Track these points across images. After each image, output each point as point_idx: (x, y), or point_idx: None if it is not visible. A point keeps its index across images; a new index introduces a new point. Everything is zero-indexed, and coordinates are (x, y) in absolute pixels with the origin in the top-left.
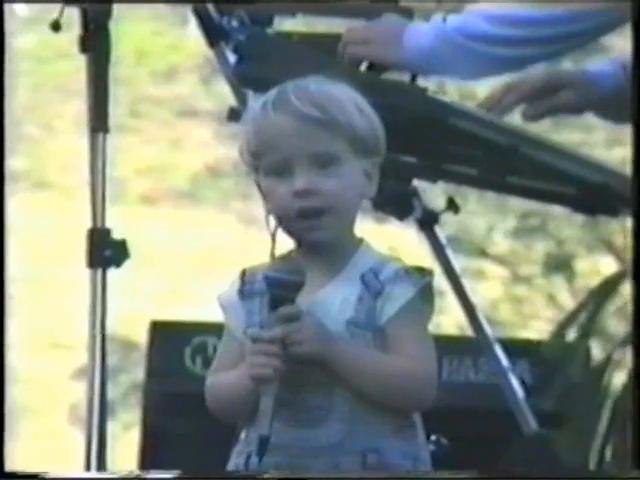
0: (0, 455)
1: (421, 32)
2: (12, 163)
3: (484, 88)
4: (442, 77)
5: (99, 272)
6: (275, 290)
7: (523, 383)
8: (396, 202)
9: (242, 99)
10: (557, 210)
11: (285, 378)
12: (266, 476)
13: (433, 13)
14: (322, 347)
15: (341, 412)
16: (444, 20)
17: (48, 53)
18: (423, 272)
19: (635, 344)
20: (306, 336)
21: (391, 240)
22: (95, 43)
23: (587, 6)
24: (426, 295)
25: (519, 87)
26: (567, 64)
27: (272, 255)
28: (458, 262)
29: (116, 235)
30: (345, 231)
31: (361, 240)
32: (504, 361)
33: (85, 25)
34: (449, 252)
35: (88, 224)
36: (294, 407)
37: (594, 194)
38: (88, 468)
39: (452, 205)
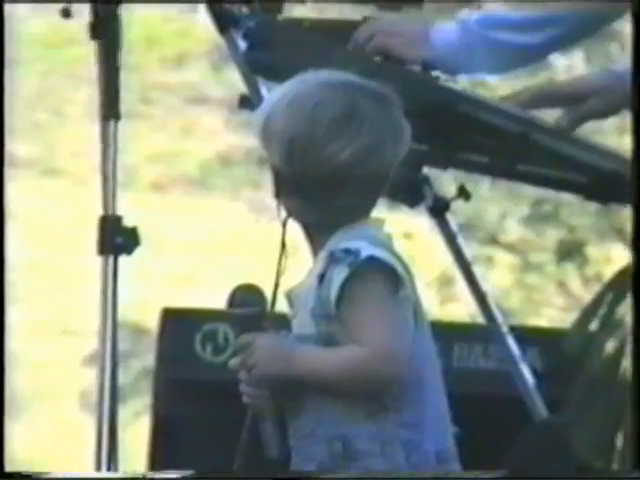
0: (0, 455)
1: (447, 30)
2: (23, 150)
3: (498, 78)
4: (470, 75)
5: (110, 259)
6: (237, 325)
7: (534, 370)
8: (407, 190)
9: (252, 86)
10: (569, 198)
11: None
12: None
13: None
14: (276, 365)
15: (312, 403)
16: (468, 16)
17: (58, 39)
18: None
19: (635, 343)
20: (258, 360)
21: (404, 228)
22: (105, 30)
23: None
24: (365, 274)
25: (546, 91)
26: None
27: (283, 243)
28: (469, 249)
29: (127, 222)
30: (325, 213)
31: (349, 222)
32: (514, 348)
33: (95, 12)
34: (460, 240)
35: (99, 211)
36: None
37: (606, 182)
38: (99, 454)
39: (463, 193)
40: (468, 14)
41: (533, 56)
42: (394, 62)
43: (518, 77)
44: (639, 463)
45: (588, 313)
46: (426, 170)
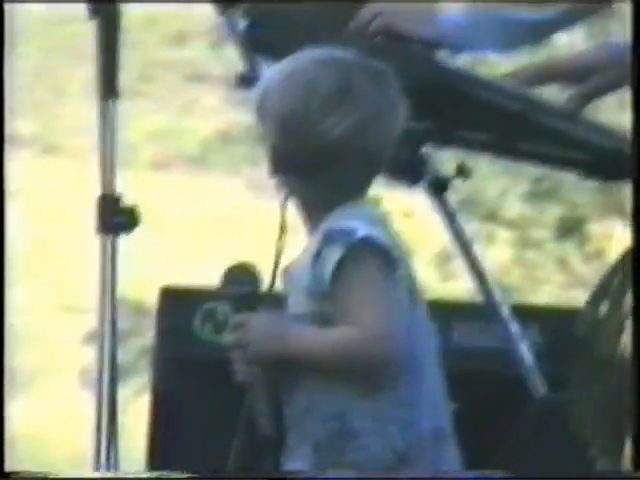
0: (0, 455)
1: (454, 9)
2: (22, 127)
3: (500, 56)
4: (477, 51)
5: (109, 238)
6: (231, 304)
7: (533, 347)
8: (406, 168)
9: (251, 64)
10: (570, 175)
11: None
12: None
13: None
14: (271, 344)
15: (307, 381)
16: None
17: (58, 16)
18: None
19: (635, 342)
20: (252, 338)
21: (404, 205)
22: (104, 8)
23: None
24: (360, 254)
25: (548, 68)
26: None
27: (282, 222)
28: (469, 227)
29: (126, 201)
30: (321, 190)
31: (345, 200)
32: (513, 326)
33: None
34: (460, 218)
35: (98, 190)
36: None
37: (606, 159)
38: (99, 432)
39: (462, 171)
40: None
41: (541, 33)
42: (396, 40)
43: (519, 55)
44: (639, 463)
45: (598, 293)
46: (425, 148)
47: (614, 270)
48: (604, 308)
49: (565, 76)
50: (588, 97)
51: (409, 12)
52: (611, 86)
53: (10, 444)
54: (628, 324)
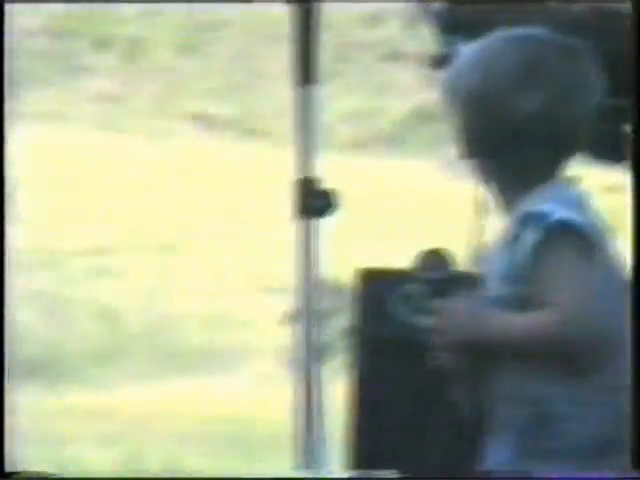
0: (0, 455)
1: None
2: (223, 110)
3: None
4: None
5: (309, 222)
6: (427, 288)
7: None
8: (609, 145)
9: (447, 45)
10: None
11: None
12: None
13: None
14: (467, 330)
15: (507, 366)
16: None
17: (256, 4)
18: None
19: (635, 343)
20: (448, 325)
21: (608, 182)
22: None
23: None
24: (557, 237)
25: None
26: None
27: (477, 207)
28: None
29: (325, 184)
30: (514, 171)
31: (540, 181)
32: None
33: None
34: None
35: (297, 173)
36: None
37: None
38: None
39: None
40: None
41: None
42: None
43: None
44: (639, 463)
45: None
46: (627, 126)
47: None
48: None
49: None
50: None
51: None
52: None
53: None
54: None
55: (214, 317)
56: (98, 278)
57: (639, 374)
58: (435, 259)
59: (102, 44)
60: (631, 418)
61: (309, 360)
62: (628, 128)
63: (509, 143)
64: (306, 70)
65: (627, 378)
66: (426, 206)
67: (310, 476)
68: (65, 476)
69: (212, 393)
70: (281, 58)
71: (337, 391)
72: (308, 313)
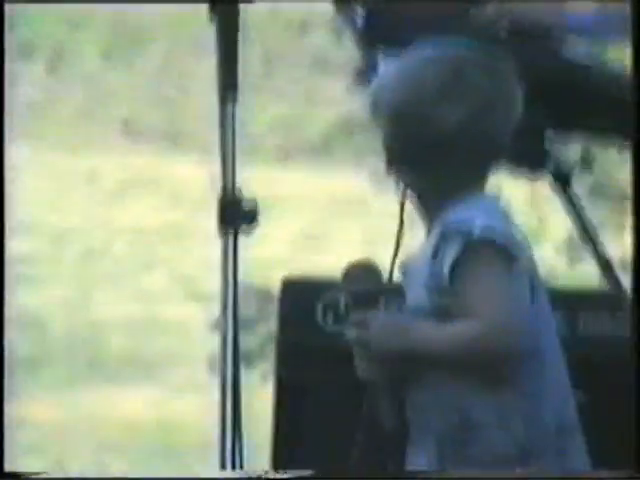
0: (0, 455)
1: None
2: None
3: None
4: (599, 40)
5: (231, 231)
6: (353, 300)
7: None
8: (530, 157)
9: (370, 58)
10: None
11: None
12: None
13: None
14: (391, 342)
15: (429, 375)
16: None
17: (180, 15)
18: (487, 227)
19: (635, 344)
20: (372, 336)
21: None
22: (224, 7)
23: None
24: (479, 249)
25: None
26: None
27: (401, 217)
28: (598, 213)
29: (248, 194)
30: (437, 181)
31: (462, 192)
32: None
33: None
34: (585, 205)
35: (221, 182)
36: None
37: None
38: (224, 418)
39: (586, 159)
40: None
41: None
42: (519, 33)
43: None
44: (639, 463)
45: None
46: (549, 137)
47: None
48: None
49: None
50: None
51: (538, 7)
52: None
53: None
54: None
55: (140, 324)
56: (21, 286)
57: (639, 374)
58: (361, 271)
59: (26, 52)
60: (631, 418)
61: (234, 367)
62: (549, 140)
63: (432, 154)
64: (231, 79)
65: (546, 385)
66: (352, 216)
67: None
68: (65, 476)
69: (137, 400)
70: (208, 68)
71: (262, 397)
72: (234, 320)
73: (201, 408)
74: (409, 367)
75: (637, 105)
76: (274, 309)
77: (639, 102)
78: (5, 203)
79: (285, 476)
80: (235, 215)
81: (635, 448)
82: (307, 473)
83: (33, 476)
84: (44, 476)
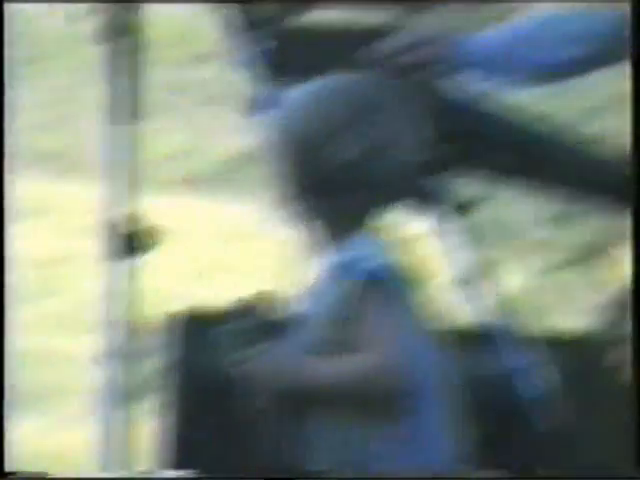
0: (0, 455)
1: (486, 38)
2: (41, 145)
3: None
4: (494, 81)
5: (127, 259)
6: (247, 333)
7: (543, 377)
8: (424, 193)
9: (272, 88)
10: (595, 200)
11: None
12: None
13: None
14: (283, 378)
15: (319, 409)
16: (512, 30)
17: (76, 37)
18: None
19: (635, 344)
20: (267, 371)
21: (418, 230)
22: (122, 30)
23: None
24: (367, 287)
25: None
26: None
27: (294, 246)
28: (486, 252)
29: (146, 221)
30: (333, 216)
31: (357, 226)
32: (529, 353)
33: (114, 12)
34: (474, 243)
35: (116, 210)
36: None
37: (629, 186)
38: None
39: (480, 196)
40: (509, 28)
41: (555, 79)
42: (419, 66)
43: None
44: (639, 463)
45: (602, 318)
46: (445, 174)
47: (616, 296)
48: (604, 333)
49: None
50: None
51: (440, 39)
52: None
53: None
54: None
55: (26, 355)
56: None
57: (639, 374)
58: (257, 303)
59: None
60: (631, 418)
61: (121, 400)
62: (446, 177)
63: (331, 187)
64: (127, 104)
65: (432, 423)
66: (249, 247)
67: None
68: (65, 476)
69: (17, 433)
70: (104, 94)
71: (147, 431)
72: (124, 352)
73: (84, 441)
74: (301, 401)
75: (636, 111)
76: (163, 342)
77: (638, 108)
78: None
79: None
80: (128, 244)
81: (635, 448)
82: None
83: (33, 476)
84: (44, 476)
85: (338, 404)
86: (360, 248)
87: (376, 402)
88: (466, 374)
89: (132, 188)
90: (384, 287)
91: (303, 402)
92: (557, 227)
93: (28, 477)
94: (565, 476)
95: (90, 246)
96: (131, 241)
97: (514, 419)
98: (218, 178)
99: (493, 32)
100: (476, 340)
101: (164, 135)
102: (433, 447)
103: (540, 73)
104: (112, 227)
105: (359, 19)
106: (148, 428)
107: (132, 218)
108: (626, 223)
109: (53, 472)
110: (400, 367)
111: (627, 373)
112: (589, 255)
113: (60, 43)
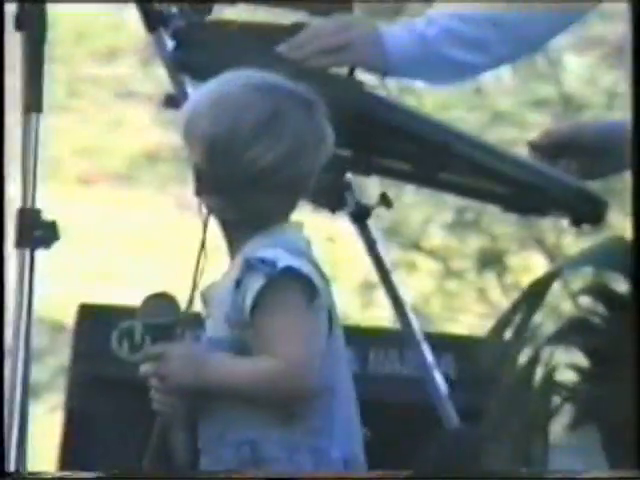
0: (0, 455)
1: (404, 39)
2: None
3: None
4: (416, 81)
5: (27, 253)
6: (149, 334)
7: (447, 378)
8: (329, 195)
9: (179, 85)
10: (491, 207)
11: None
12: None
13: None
14: (188, 376)
15: (222, 407)
16: (426, 25)
17: None
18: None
19: (635, 341)
20: (169, 370)
21: (328, 231)
22: (31, 21)
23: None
24: (280, 284)
25: (575, 142)
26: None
27: (202, 243)
28: (391, 255)
29: (48, 216)
30: (245, 213)
31: (268, 224)
32: (429, 355)
33: (21, 4)
34: (381, 246)
35: (18, 203)
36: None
37: (525, 194)
38: (1, 447)
39: (385, 200)
40: (423, 25)
41: (477, 72)
42: (325, 67)
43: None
44: (639, 463)
45: (503, 322)
46: (349, 176)
47: (520, 299)
48: (508, 339)
49: (591, 151)
50: (600, 175)
51: (354, 42)
52: (619, 169)
53: None
54: (544, 355)
55: None
56: None
57: (639, 374)
58: (158, 302)
59: None
60: (631, 418)
61: (21, 398)
62: (349, 179)
63: (242, 187)
64: (32, 98)
65: (336, 420)
66: (154, 245)
67: None
68: (65, 476)
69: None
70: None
71: (49, 430)
72: (23, 350)
73: None
74: (204, 399)
75: (636, 111)
76: (66, 340)
77: (637, 108)
78: None
79: None
80: (32, 236)
81: (635, 448)
82: None
83: (33, 476)
84: (44, 476)
85: (244, 402)
86: (275, 243)
87: (284, 402)
88: (372, 373)
89: (36, 182)
90: (299, 282)
91: (206, 401)
92: (454, 233)
93: (28, 477)
94: (565, 476)
95: None
96: (34, 234)
97: (421, 417)
98: (126, 175)
99: (408, 29)
100: (383, 340)
101: (73, 132)
102: (338, 447)
103: (455, 71)
104: (16, 219)
105: (268, 17)
106: (50, 426)
107: (34, 212)
108: (520, 232)
109: None
110: (316, 367)
111: (535, 373)
112: (483, 263)
113: None
